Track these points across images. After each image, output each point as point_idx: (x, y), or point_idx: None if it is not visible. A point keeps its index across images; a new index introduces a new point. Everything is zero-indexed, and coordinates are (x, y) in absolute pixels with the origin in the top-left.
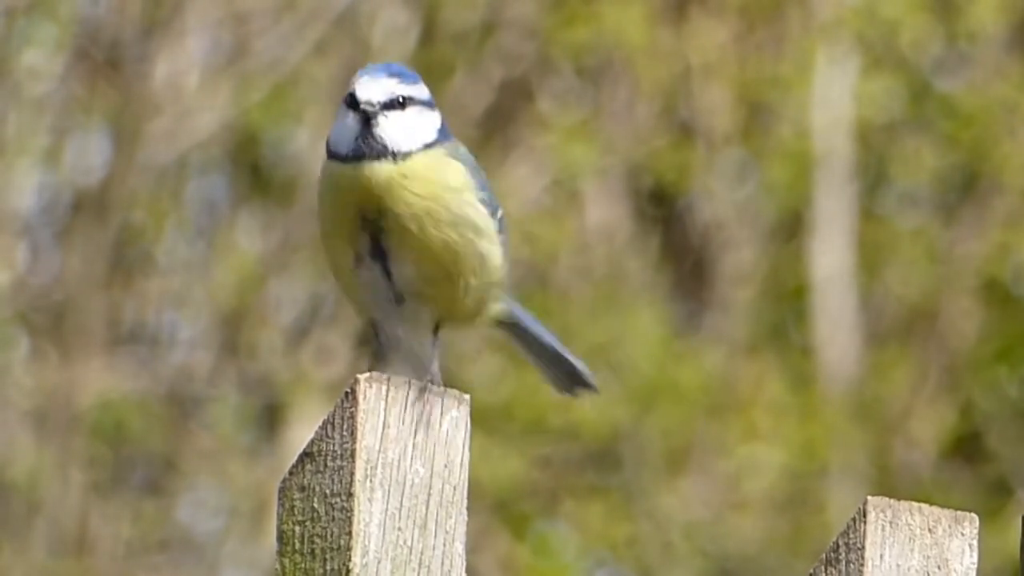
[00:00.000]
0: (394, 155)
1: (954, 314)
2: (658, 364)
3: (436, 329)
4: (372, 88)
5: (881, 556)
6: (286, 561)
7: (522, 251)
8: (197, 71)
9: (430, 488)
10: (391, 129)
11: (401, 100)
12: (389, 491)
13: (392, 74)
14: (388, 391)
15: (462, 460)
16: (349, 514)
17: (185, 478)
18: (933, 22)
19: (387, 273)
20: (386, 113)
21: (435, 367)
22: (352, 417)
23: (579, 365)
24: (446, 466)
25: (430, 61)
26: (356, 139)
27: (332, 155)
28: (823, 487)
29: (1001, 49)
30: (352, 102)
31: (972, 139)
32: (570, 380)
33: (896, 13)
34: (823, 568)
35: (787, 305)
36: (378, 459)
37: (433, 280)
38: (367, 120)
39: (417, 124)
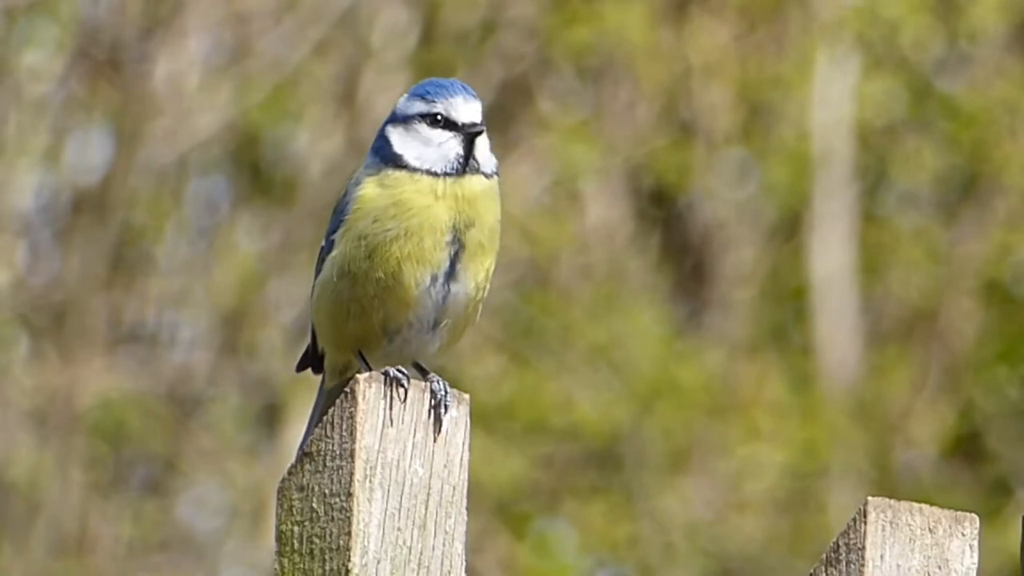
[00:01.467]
0: (485, 174)
1: (954, 315)
2: (659, 364)
3: (425, 361)
4: (469, 110)
5: (881, 556)
6: (285, 561)
7: (523, 250)
8: (198, 71)
9: (429, 488)
10: (484, 150)
11: (484, 123)
12: (388, 491)
13: (474, 96)
14: (389, 391)
15: (462, 460)
16: (348, 514)
17: (185, 478)
18: (934, 23)
19: (443, 297)
20: (482, 135)
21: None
22: (351, 417)
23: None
24: (446, 466)
25: (431, 61)
26: (457, 157)
27: (416, 170)
28: (824, 487)
29: (1002, 49)
30: (447, 123)
31: (973, 140)
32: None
33: (897, 14)
34: (824, 568)
35: (788, 305)
36: (377, 459)
37: (471, 303)
38: (471, 140)
39: (489, 147)
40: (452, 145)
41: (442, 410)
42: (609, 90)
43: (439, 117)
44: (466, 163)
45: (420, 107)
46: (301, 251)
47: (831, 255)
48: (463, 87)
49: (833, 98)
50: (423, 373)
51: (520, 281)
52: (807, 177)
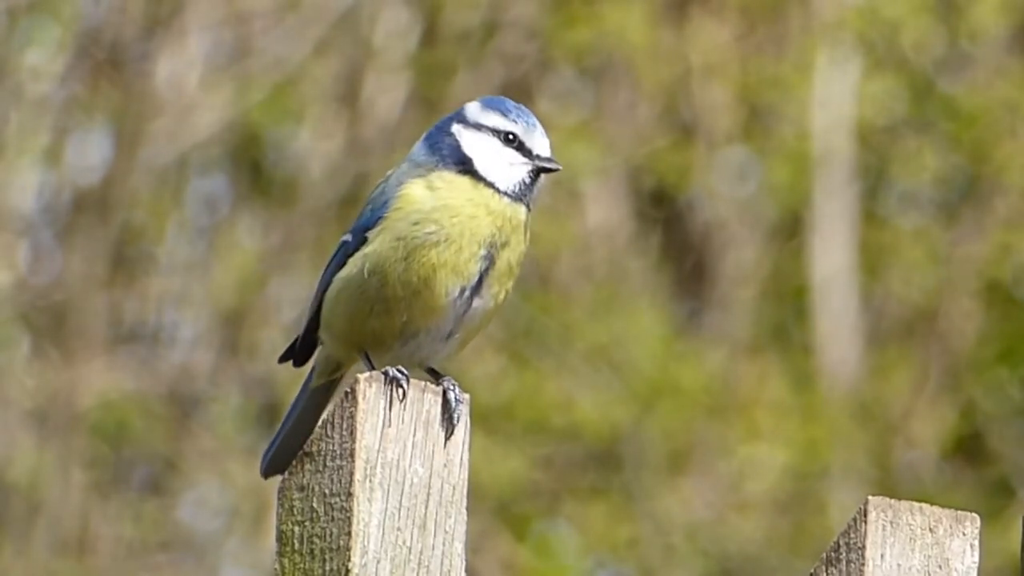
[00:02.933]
0: (529, 207)
1: (955, 315)
2: (659, 364)
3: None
4: (545, 144)
5: (882, 556)
6: (285, 561)
7: None
8: (198, 71)
9: (429, 488)
10: (541, 185)
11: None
12: (388, 491)
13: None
14: (390, 390)
15: (462, 460)
16: (348, 514)
17: (186, 478)
18: (934, 23)
19: (464, 310)
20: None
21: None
22: (352, 416)
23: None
24: (446, 466)
25: (432, 61)
26: (522, 183)
27: (481, 178)
28: (824, 487)
29: (1002, 50)
30: (521, 147)
31: (973, 140)
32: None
33: (897, 14)
34: (824, 568)
35: (788, 305)
36: (377, 459)
37: (486, 318)
38: (539, 173)
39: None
40: (522, 170)
41: (455, 418)
42: (609, 90)
43: (512, 137)
44: (527, 192)
45: (497, 121)
46: (301, 251)
47: (832, 255)
48: (536, 118)
49: (834, 98)
50: (436, 377)
51: (521, 281)
52: (808, 177)
